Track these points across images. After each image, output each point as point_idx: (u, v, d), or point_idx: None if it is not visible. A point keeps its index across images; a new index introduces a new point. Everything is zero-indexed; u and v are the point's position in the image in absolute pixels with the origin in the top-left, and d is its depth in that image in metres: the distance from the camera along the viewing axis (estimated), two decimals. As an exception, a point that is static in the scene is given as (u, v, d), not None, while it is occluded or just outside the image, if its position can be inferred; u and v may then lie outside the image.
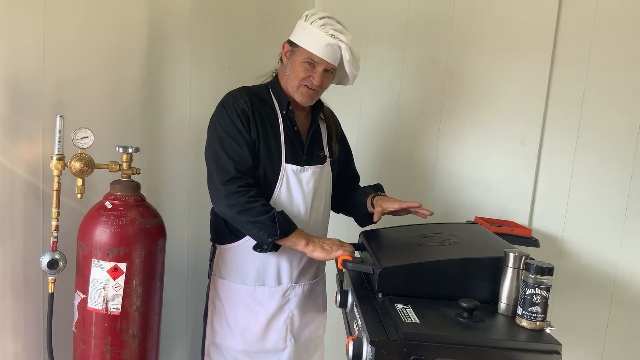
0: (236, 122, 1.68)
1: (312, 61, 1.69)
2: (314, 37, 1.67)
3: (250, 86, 1.81)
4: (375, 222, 1.84)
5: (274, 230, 1.60)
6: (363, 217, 1.93)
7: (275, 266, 1.78)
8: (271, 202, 1.72)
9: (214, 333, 1.83)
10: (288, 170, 1.74)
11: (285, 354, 1.82)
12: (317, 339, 1.94)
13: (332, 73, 1.75)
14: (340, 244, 1.68)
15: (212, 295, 1.85)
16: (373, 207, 1.85)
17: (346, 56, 1.68)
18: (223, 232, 1.79)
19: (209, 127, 1.74)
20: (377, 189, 1.96)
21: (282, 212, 1.64)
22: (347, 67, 1.72)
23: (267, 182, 1.73)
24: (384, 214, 1.81)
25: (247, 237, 1.73)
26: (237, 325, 1.79)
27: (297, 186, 1.76)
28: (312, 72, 1.70)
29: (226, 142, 1.67)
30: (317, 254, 1.65)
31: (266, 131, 1.72)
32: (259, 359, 1.81)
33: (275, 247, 1.68)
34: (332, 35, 1.66)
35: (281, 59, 1.80)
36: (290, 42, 1.74)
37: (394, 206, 1.78)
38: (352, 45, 1.69)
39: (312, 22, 1.68)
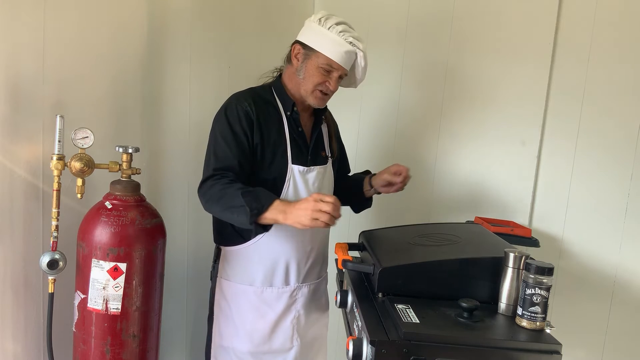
0: (234, 126, 1.67)
1: (330, 67, 1.70)
2: (333, 44, 1.68)
3: (255, 87, 1.81)
4: (382, 193, 1.93)
5: (246, 210, 1.51)
6: (361, 202, 2.01)
7: (283, 267, 1.78)
8: None
9: (220, 335, 1.82)
10: (295, 171, 1.74)
11: (292, 354, 1.82)
12: (322, 337, 1.95)
13: (342, 78, 1.78)
14: (315, 204, 1.48)
15: (218, 297, 1.84)
16: (371, 186, 1.92)
17: (362, 63, 1.72)
18: (229, 233, 1.78)
19: (212, 126, 1.74)
20: (367, 173, 2.03)
21: (252, 190, 1.55)
22: (359, 73, 1.76)
23: (275, 184, 1.72)
24: (391, 175, 1.86)
25: (254, 239, 1.73)
26: (244, 326, 1.78)
27: (304, 187, 1.76)
28: (328, 78, 1.72)
29: (219, 145, 1.67)
30: (297, 226, 1.50)
31: (271, 133, 1.72)
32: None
33: (264, 228, 1.58)
34: (351, 42, 1.69)
35: (288, 60, 1.79)
36: (303, 45, 1.72)
37: (391, 169, 1.86)
38: (366, 53, 1.72)
39: (329, 28, 1.68)
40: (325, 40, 1.68)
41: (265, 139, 1.70)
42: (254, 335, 1.78)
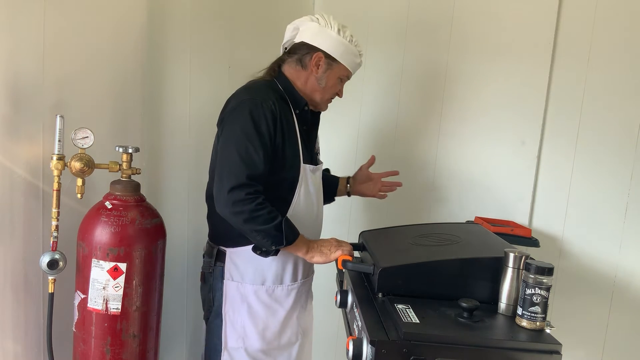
0: (260, 125, 1.61)
1: (347, 78, 1.82)
2: (353, 56, 1.77)
3: (265, 83, 1.77)
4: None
5: (280, 239, 1.60)
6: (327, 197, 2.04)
7: (292, 263, 1.79)
8: (293, 202, 1.72)
9: (232, 337, 1.78)
10: (306, 170, 1.75)
11: (296, 347, 1.84)
12: (311, 325, 1.99)
13: None
14: (338, 244, 1.69)
15: (226, 299, 1.79)
16: (349, 186, 2.06)
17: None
18: (236, 235, 1.70)
19: (228, 122, 1.66)
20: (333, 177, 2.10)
21: (287, 220, 1.62)
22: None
23: (292, 184, 1.72)
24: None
25: None
26: (257, 325, 1.77)
27: (313, 185, 1.78)
28: (340, 86, 1.82)
29: (242, 145, 1.60)
30: (317, 259, 1.67)
31: (290, 132, 1.70)
32: (275, 355, 1.82)
33: (275, 252, 1.67)
34: (360, 53, 1.79)
35: (299, 62, 1.76)
36: (326, 54, 1.73)
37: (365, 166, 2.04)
38: None
39: (349, 40, 1.74)
40: (348, 54, 1.75)
41: (286, 138, 1.68)
42: (266, 333, 1.78)
